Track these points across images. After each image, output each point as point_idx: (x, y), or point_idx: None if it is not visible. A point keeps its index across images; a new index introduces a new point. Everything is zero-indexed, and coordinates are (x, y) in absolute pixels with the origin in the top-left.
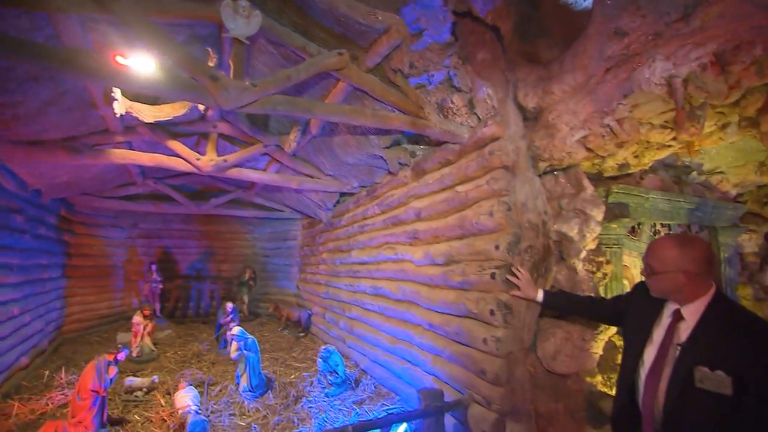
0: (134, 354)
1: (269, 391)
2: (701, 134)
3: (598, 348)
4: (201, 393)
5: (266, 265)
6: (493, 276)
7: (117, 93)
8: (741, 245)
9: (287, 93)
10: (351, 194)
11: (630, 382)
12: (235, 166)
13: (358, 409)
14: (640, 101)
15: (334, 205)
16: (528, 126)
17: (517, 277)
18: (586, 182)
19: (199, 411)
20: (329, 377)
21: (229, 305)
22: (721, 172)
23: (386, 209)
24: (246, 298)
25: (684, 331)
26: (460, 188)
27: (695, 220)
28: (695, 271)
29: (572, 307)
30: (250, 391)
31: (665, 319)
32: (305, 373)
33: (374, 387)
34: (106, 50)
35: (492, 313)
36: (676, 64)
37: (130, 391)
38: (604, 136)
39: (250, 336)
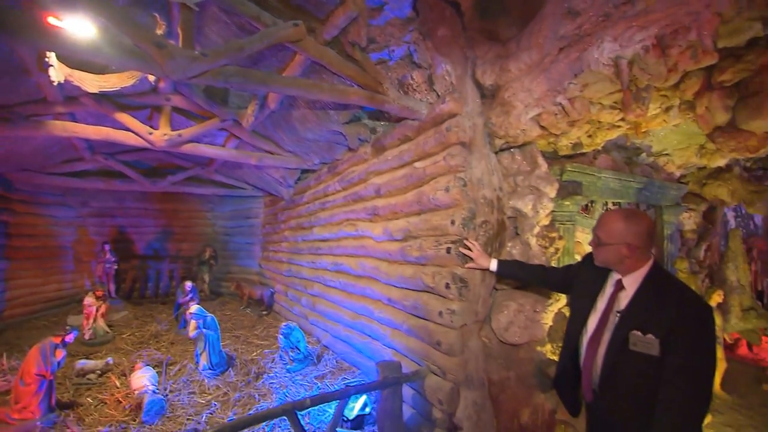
0: (87, 336)
1: (230, 369)
2: (646, 115)
3: (548, 319)
4: (159, 373)
5: (228, 243)
6: (448, 251)
7: (52, 58)
8: (682, 223)
9: (242, 65)
10: (312, 171)
11: (573, 347)
12: (191, 141)
13: (319, 384)
14: (589, 81)
15: (296, 182)
16: (485, 103)
17: (470, 249)
18: (540, 160)
19: (157, 390)
20: (291, 353)
21: (188, 284)
22: (667, 154)
23: (347, 186)
24: (207, 278)
25: (623, 300)
26: (418, 164)
27: (643, 199)
28: (637, 245)
29: (525, 275)
30: (210, 369)
31: (608, 289)
32: (267, 350)
33: (336, 362)
34: (36, 9)
35: (447, 286)
36: (622, 46)
37: (82, 374)
38: (556, 114)
39: (209, 314)
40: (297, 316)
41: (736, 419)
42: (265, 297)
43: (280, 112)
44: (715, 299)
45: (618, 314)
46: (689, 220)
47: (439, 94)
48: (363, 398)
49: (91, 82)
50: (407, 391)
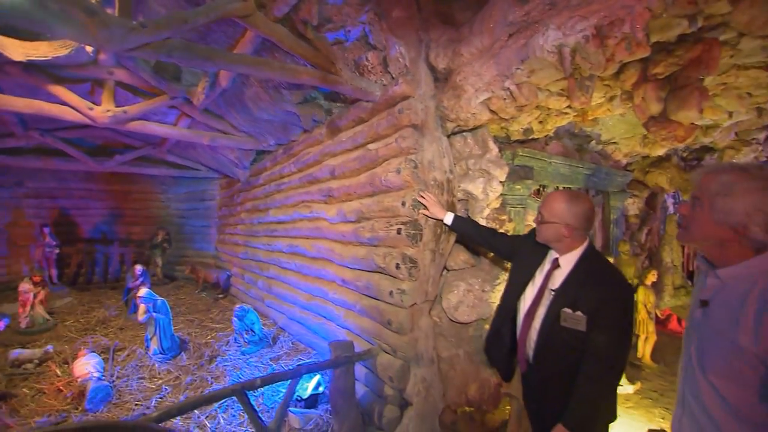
0: (23, 325)
1: (182, 353)
2: (591, 104)
3: (495, 298)
4: (105, 359)
5: (183, 226)
6: (399, 231)
7: None
8: (626, 208)
9: (189, 39)
10: (268, 152)
11: (507, 314)
12: (138, 118)
13: (274, 365)
14: (535, 67)
15: (252, 164)
16: (438, 87)
17: (425, 198)
18: (491, 144)
19: (103, 377)
20: (245, 336)
21: (138, 268)
22: (614, 143)
23: (302, 167)
24: (160, 261)
25: (558, 278)
26: (371, 146)
27: (591, 185)
28: (575, 225)
29: (475, 235)
30: (161, 353)
31: (546, 266)
32: (221, 333)
33: (292, 344)
34: None
35: (398, 266)
36: (565, 34)
37: (17, 364)
38: (505, 99)
39: (159, 297)
40: (253, 298)
41: (662, 385)
42: (221, 280)
43: (232, 91)
44: (650, 278)
45: (552, 292)
46: (633, 206)
47: (394, 76)
48: (317, 378)
49: (15, 50)
50: (361, 369)
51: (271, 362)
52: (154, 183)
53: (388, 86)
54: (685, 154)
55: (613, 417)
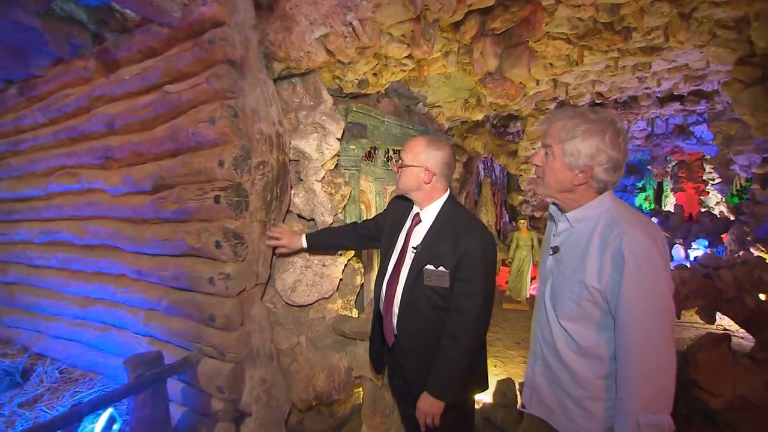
0: None
1: None
2: (431, 53)
3: (338, 272)
4: None
5: None
6: (217, 200)
7: None
8: None
9: None
10: None
11: (379, 294)
12: None
13: (28, 413)
14: (382, 1)
15: None
16: (261, 16)
17: (276, 237)
18: (325, 94)
19: None
20: None
21: None
22: (438, 106)
23: (58, 117)
24: None
25: (420, 234)
26: (171, 88)
27: None
28: (435, 171)
29: (338, 240)
30: None
31: (408, 223)
32: None
33: (59, 372)
34: None
35: (218, 245)
36: None
37: None
38: (346, 36)
39: None
40: None
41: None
42: None
43: None
44: None
45: (414, 250)
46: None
47: None
48: (108, 412)
49: None
50: (175, 386)
51: (21, 410)
52: None
53: (191, 5)
54: (495, 121)
55: (483, 386)
